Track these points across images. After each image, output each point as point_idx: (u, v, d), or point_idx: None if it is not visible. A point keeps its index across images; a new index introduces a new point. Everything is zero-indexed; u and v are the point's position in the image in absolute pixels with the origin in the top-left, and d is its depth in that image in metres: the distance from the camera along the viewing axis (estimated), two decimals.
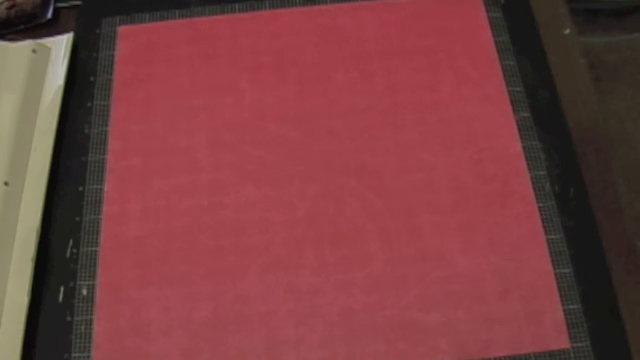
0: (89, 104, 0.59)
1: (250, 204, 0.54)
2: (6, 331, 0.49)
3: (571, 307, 0.50)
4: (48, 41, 0.62)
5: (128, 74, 0.61)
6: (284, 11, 0.64)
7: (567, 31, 0.62)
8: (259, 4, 0.64)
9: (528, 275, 0.51)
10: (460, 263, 0.51)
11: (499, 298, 0.50)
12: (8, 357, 0.48)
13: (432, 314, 0.50)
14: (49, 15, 0.64)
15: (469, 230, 0.53)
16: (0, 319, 0.50)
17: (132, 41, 0.63)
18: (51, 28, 0.64)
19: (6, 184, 0.54)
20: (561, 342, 0.48)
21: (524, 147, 0.56)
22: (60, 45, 0.61)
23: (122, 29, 0.63)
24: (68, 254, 0.53)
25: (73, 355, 0.49)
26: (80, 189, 0.56)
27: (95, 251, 0.53)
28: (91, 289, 0.52)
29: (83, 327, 0.50)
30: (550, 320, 0.49)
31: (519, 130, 0.57)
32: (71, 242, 0.53)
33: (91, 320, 0.50)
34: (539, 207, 0.53)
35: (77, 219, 0.54)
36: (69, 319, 0.51)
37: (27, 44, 0.60)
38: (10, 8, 0.65)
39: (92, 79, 0.61)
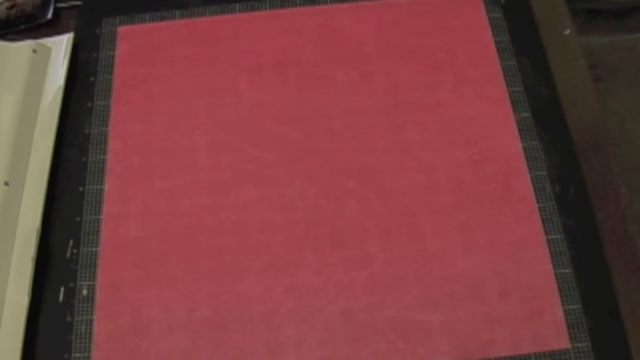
0: (89, 104, 0.59)
1: (250, 204, 0.54)
2: (6, 331, 0.49)
3: (571, 307, 0.50)
4: (48, 41, 0.62)
5: (128, 74, 0.61)
6: (284, 11, 0.64)
7: (567, 31, 0.62)
8: (259, 4, 0.64)
9: (528, 275, 0.51)
10: (460, 263, 0.51)
11: (499, 298, 0.50)
12: (8, 357, 0.48)
13: (432, 314, 0.50)
14: (49, 15, 0.64)
15: (469, 230, 0.53)
16: (0, 319, 0.50)
17: (132, 41, 0.63)
18: (51, 28, 0.64)
19: (6, 183, 0.54)
20: (561, 342, 0.48)
21: (524, 147, 0.56)
22: (60, 45, 0.61)
23: (122, 29, 0.63)
24: (68, 254, 0.53)
25: (73, 355, 0.49)
26: (80, 189, 0.56)
27: (95, 251, 0.53)
28: (91, 289, 0.52)
29: (83, 327, 0.50)
30: (550, 320, 0.49)
31: (519, 130, 0.57)
32: (71, 242, 0.54)
33: (91, 320, 0.50)
34: (539, 207, 0.53)
35: (77, 219, 0.54)
36: (69, 319, 0.51)
37: (27, 44, 0.60)
38: (10, 8, 0.65)
39: (92, 79, 0.61)
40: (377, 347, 0.49)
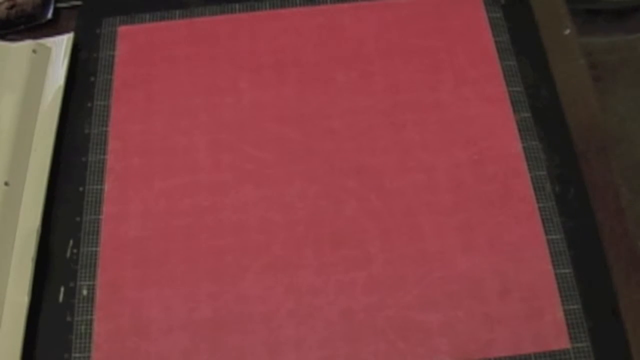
0: (89, 104, 0.59)
1: (250, 204, 0.54)
2: (6, 331, 0.49)
3: (571, 307, 0.50)
4: (48, 41, 0.62)
5: (128, 74, 0.61)
6: (284, 11, 0.64)
7: (567, 31, 0.62)
8: (259, 4, 0.64)
9: (528, 275, 0.51)
10: (460, 263, 0.51)
11: (499, 298, 0.50)
12: (8, 357, 0.48)
13: (432, 314, 0.50)
14: (49, 15, 0.64)
15: (469, 230, 0.53)
16: (0, 319, 0.50)
17: (132, 41, 0.63)
18: (51, 28, 0.64)
19: (6, 184, 0.54)
20: (561, 342, 0.48)
21: (524, 147, 0.56)
22: (60, 45, 0.61)
23: (122, 29, 0.63)
24: (68, 254, 0.53)
25: (73, 355, 0.49)
26: (80, 189, 0.56)
27: (95, 251, 0.53)
28: (91, 289, 0.52)
29: (83, 327, 0.50)
30: (550, 320, 0.49)
31: (519, 130, 0.57)
32: (71, 242, 0.53)
33: (91, 320, 0.50)
34: (539, 207, 0.53)
35: (77, 219, 0.54)
36: (69, 319, 0.51)
37: (27, 44, 0.60)
38: (10, 8, 0.65)
39: (92, 79, 0.61)
40: (377, 347, 0.49)
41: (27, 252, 0.52)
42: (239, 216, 0.54)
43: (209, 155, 0.57)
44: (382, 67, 0.60)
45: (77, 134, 0.58)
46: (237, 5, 0.64)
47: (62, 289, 0.52)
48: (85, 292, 0.52)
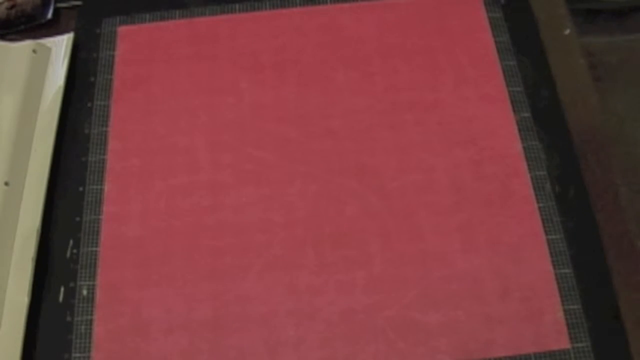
0: (89, 104, 0.59)
1: (250, 204, 0.54)
2: (6, 331, 0.49)
3: (571, 307, 0.50)
4: (48, 41, 0.62)
5: (128, 74, 0.61)
6: (284, 11, 0.64)
7: (567, 31, 0.62)
8: (259, 4, 0.64)
9: (528, 275, 0.51)
10: (460, 263, 0.51)
11: (499, 298, 0.50)
12: (8, 357, 0.48)
13: (432, 314, 0.50)
14: (49, 15, 0.64)
15: (469, 230, 0.53)
16: (0, 319, 0.50)
17: (132, 41, 0.63)
18: (51, 28, 0.64)
19: (6, 184, 0.54)
20: (561, 342, 0.48)
21: (524, 147, 0.56)
22: (60, 45, 0.61)
23: (122, 29, 0.63)
24: (68, 254, 0.53)
25: (73, 355, 0.49)
26: (80, 189, 0.56)
27: (95, 251, 0.53)
28: (91, 289, 0.52)
29: (83, 327, 0.50)
30: (550, 320, 0.49)
31: (519, 130, 0.57)
32: (71, 242, 0.53)
33: (91, 320, 0.50)
34: (539, 207, 0.53)
35: (77, 219, 0.54)
36: (69, 319, 0.51)
37: (27, 44, 0.60)
38: (10, 8, 0.65)
39: (92, 79, 0.61)
40: (377, 347, 0.49)
41: (27, 252, 0.52)
42: (239, 216, 0.54)
43: (209, 155, 0.57)
44: (382, 67, 0.60)
45: (77, 134, 0.58)
46: (237, 5, 0.64)
47: (62, 289, 0.52)
48: (85, 292, 0.52)
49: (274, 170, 0.56)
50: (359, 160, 0.56)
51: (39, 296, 0.51)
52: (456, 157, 0.56)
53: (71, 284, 0.52)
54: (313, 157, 0.56)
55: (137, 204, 0.55)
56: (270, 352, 0.49)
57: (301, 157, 0.56)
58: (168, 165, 0.56)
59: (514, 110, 0.58)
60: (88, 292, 0.52)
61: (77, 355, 0.49)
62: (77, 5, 0.65)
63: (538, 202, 0.54)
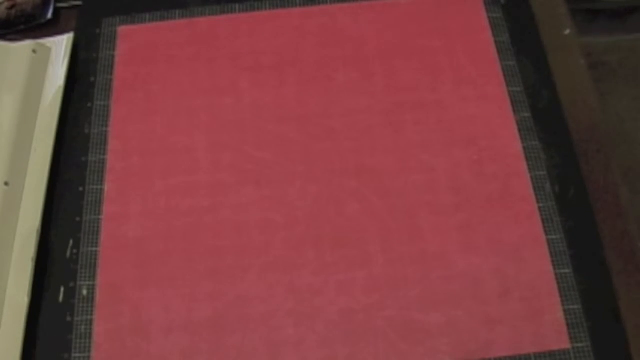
0: (89, 104, 0.59)
1: (250, 204, 0.54)
2: (6, 331, 0.49)
3: (571, 307, 0.50)
4: (48, 41, 0.62)
5: (128, 74, 0.61)
6: (284, 11, 0.64)
7: (567, 31, 0.62)
8: (259, 4, 0.64)
9: (528, 275, 0.51)
10: (460, 263, 0.51)
11: (499, 298, 0.50)
12: (8, 357, 0.48)
13: (432, 314, 0.50)
14: (49, 15, 0.64)
15: (469, 230, 0.53)
16: (0, 319, 0.50)
17: (132, 41, 0.63)
18: (51, 28, 0.64)
19: (6, 184, 0.54)
20: (561, 342, 0.48)
21: (524, 147, 0.56)
22: (60, 45, 0.61)
23: (122, 29, 0.63)
24: (68, 254, 0.53)
25: (73, 355, 0.49)
26: (80, 189, 0.56)
27: (95, 251, 0.53)
28: (91, 289, 0.52)
29: (83, 327, 0.50)
30: (550, 320, 0.49)
31: (519, 130, 0.57)
32: (71, 242, 0.54)
33: (91, 320, 0.50)
34: (539, 207, 0.53)
35: (77, 219, 0.54)
36: (69, 319, 0.51)
37: (27, 44, 0.60)
38: (10, 8, 0.65)
39: (92, 79, 0.61)
40: (377, 347, 0.49)
41: (27, 252, 0.52)
42: (239, 216, 0.54)
43: (209, 155, 0.57)
44: (382, 67, 0.60)
45: (77, 134, 0.58)
46: (237, 5, 0.64)
47: (62, 289, 0.52)
48: (85, 292, 0.52)
49: (274, 170, 0.56)
50: (359, 160, 0.56)
51: (39, 296, 0.51)
52: (456, 157, 0.56)
53: (71, 284, 0.52)
54: (313, 157, 0.56)
55: (137, 204, 0.55)
56: (270, 352, 0.49)
57: (301, 157, 0.56)
58: (168, 165, 0.56)
59: (514, 110, 0.58)
60: (88, 292, 0.52)
61: (77, 355, 0.49)
62: (77, 5, 0.65)
63: (538, 202, 0.54)
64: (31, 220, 0.53)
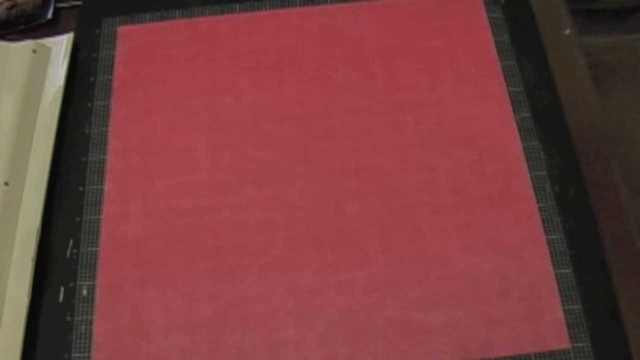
0: (89, 104, 0.59)
1: (250, 204, 0.54)
2: (6, 331, 0.49)
3: (571, 307, 0.50)
4: (48, 41, 0.62)
5: (128, 74, 0.61)
6: (284, 11, 0.64)
7: (567, 31, 0.62)
8: (259, 4, 0.64)
9: (528, 275, 0.51)
10: (460, 263, 0.51)
11: (499, 298, 0.50)
12: (8, 357, 0.48)
13: (432, 314, 0.50)
14: (49, 15, 0.64)
15: (469, 230, 0.53)
16: (0, 319, 0.50)
17: (132, 41, 0.63)
18: (51, 28, 0.64)
19: (6, 184, 0.54)
20: (561, 342, 0.48)
21: (524, 147, 0.56)
22: (60, 45, 0.61)
23: (122, 29, 0.63)
24: (68, 254, 0.53)
25: (73, 355, 0.49)
26: (80, 189, 0.56)
27: (95, 251, 0.53)
28: (91, 289, 0.52)
29: (83, 327, 0.50)
30: (550, 320, 0.49)
31: (519, 130, 0.57)
32: (71, 242, 0.54)
33: (91, 320, 0.50)
34: (539, 207, 0.53)
35: (77, 219, 0.54)
36: (69, 319, 0.51)
37: (27, 44, 0.60)
38: (10, 8, 0.65)
39: (92, 79, 0.61)
40: (377, 347, 0.49)
41: (27, 252, 0.52)
42: (239, 216, 0.54)
43: (209, 155, 0.57)
44: (382, 67, 0.60)
45: (77, 134, 0.58)
46: (237, 5, 0.64)
47: (62, 289, 0.52)
48: (85, 292, 0.52)
49: (274, 170, 0.56)
50: (359, 160, 0.56)
51: (39, 296, 0.51)
52: (456, 157, 0.56)
53: (71, 284, 0.52)
54: (313, 157, 0.56)
55: (137, 204, 0.55)
56: (270, 352, 0.49)
57: (301, 157, 0.56)
58: (168, 165, 0.56)
59: (514, 110, 0.58)
60: (88, 292, 0.52)
61: (77, 355, 0.49)
62: (77, 5, 0.65)
63: (538, 202, 0.54)
64: (31, 220, 0.53)
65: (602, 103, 0.59)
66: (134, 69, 0.61)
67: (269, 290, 0.51)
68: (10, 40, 0.62)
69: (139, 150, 0.57)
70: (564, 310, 0.49)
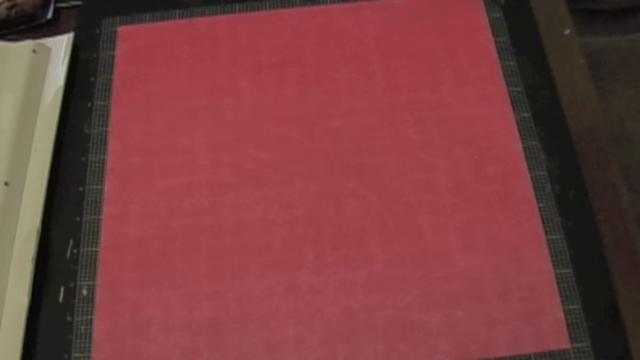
0: (89, 104, 0.59)
1: (250, 204, 0.54)
2: (6, 331, 0.49)
3: (571, 307, 0.50)
4: (48, 41, 0.62)
5: (128, 74, 0.61)
6: (284, 11, 0.64)
7: (567, 31, 0.62)
8: (259, 4, 0.64)
9: (528, 275, 0.51)
10: (460, 263, 0.51)
11: (499, 298, 0.50)
12: (8, 357, 0.48)
13: (432, 314, 0.50)
14: (49, 15, 0.64)
15: (469, 230, 0.53)
16: (1, 319, 0.50)
17: (132, 41, 0.63)
18: (51, 28, 0.64)
19: (6, 184, 0.54)
20: (561, 342, 0.48)
21: (524, 147, 0.56)
22: (60, 45, 0.61)
23: (122, 29, 0.63)
24: (68, 254, 0.53)
25: (73, 355, 0.49)
26: (80, 189, 0.56)
27: (95, 251, 0.53)
28: (91, 289, 0.52)
29: (83, 327, 0.50)
30: (550, 320, 0.49)
31: (519, 130, 0.57)
32: (71, 242, 0.53)
33: (91, 320, 0.50)
34: (539, 207, 0.53)
35: (77, 219, 0.54)
36: (69, 319, 0.51)
37: (27, 44, 0.60)
38: (10, 8, 0.65)
39: (92, 79, 0.61)
40: (377, 347, 0.49)
41: (27, 252, 0.52)
42: (239, 216, 0.54)
43: (209, 155, 0.57)
44: (382, 67, 0.60)
45: (77, 134, 0.58)
46: (237, 5, 0.64)
47: (62, 289, 0.52)
48: (85, 292, 0.52)
49: (274, 170, 0.56)
50: (359, 160, 0.56)
51: (39, 296, 0.51)
52: (456, 157, 0.56)
53: (71, 284, 0.52)
54: (313, 157, 0.56)
55: (137, 204, 0.55)
56: (270, 352, 0.49)
57: (301, 157, 0.56)
58: (168, 165, 0.56)
59: (514, 110, 0.58)
60: (88, 292, 0.52)
61: (77, 355, 0.49)
62: (77, 5, 0.65)
63: (538, 202, 0.54)
64: (31, 220, 0.53)
65: (602, 103, 0.59)
66: (134, 69, 0.61)
67: (269, 290, 0.51)
68: (10, 40, 0.62)
69: (139, 150, 0.57)
70: (564, 310, 0.49)
